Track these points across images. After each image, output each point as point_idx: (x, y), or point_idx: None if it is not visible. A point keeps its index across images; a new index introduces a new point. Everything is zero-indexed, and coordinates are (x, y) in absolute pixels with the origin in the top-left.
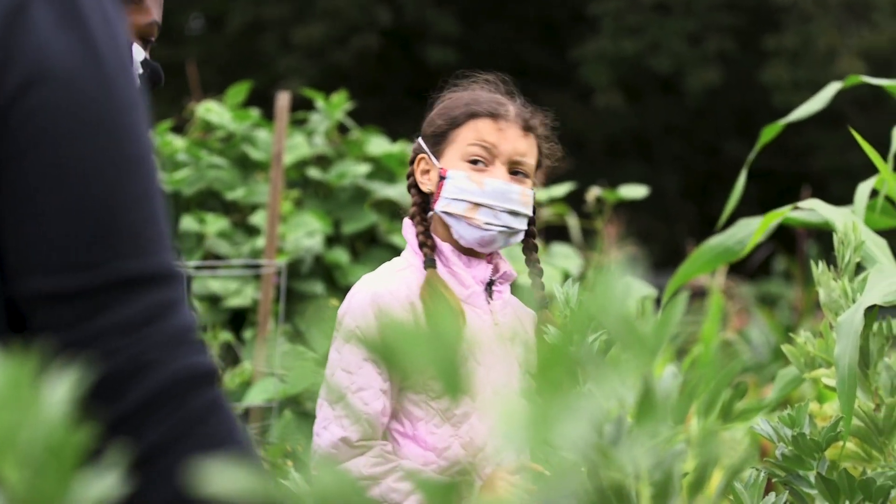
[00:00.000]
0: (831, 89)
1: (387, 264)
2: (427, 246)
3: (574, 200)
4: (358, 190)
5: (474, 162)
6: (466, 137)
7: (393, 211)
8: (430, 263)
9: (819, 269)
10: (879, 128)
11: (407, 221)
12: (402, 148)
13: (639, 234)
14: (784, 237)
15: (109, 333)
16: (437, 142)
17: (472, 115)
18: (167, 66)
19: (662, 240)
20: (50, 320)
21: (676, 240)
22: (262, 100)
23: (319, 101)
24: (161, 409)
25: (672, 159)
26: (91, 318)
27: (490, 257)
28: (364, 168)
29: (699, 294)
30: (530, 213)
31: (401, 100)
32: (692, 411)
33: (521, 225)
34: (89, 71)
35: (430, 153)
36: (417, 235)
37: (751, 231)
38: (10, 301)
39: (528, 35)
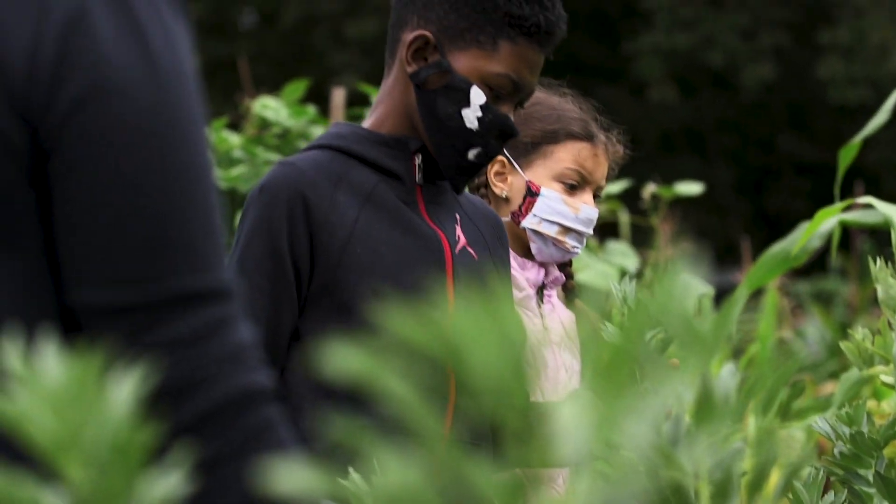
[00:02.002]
0: (893, 99)
1: None
2: None
3: (627, 197)
4: None
5: (566, 184)
6: (563, 158)
7: None
8: None
9: (877, 266)
10: None
11: None
12: None
13: (693, 231)
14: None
15: (163, 349)
16: (525, 151)
17: (571, 136)
18: (219, 61)
19: (716, 236)
20: (104, 333)
21: (730, 235)
22: (315, 95)
23: (374, 97)
24: (213, 427)
25: (725, 154)
26: (145, 332)
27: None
28: None
29: (755, 292)
30: None
31: None
32: (749, 410)
33: None
34: (147, 84)
35: (511, 160)
36: None
37: (811, 235)
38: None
39: (581, 29)
